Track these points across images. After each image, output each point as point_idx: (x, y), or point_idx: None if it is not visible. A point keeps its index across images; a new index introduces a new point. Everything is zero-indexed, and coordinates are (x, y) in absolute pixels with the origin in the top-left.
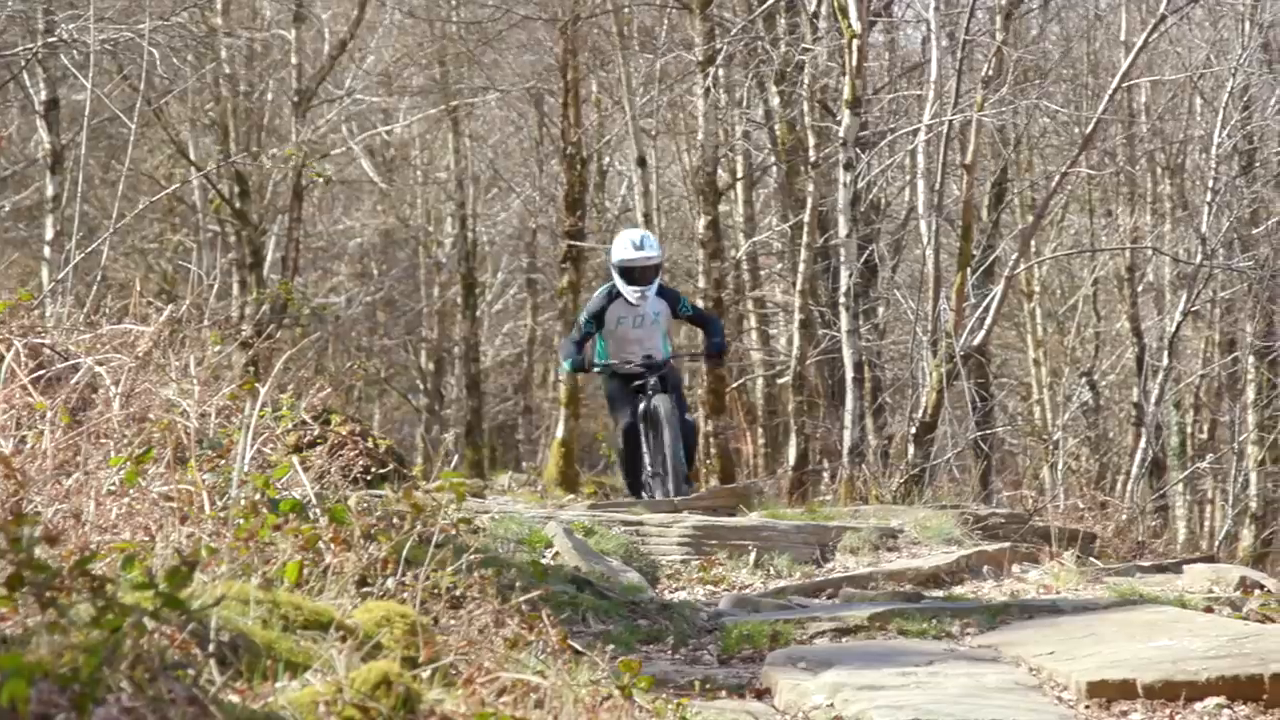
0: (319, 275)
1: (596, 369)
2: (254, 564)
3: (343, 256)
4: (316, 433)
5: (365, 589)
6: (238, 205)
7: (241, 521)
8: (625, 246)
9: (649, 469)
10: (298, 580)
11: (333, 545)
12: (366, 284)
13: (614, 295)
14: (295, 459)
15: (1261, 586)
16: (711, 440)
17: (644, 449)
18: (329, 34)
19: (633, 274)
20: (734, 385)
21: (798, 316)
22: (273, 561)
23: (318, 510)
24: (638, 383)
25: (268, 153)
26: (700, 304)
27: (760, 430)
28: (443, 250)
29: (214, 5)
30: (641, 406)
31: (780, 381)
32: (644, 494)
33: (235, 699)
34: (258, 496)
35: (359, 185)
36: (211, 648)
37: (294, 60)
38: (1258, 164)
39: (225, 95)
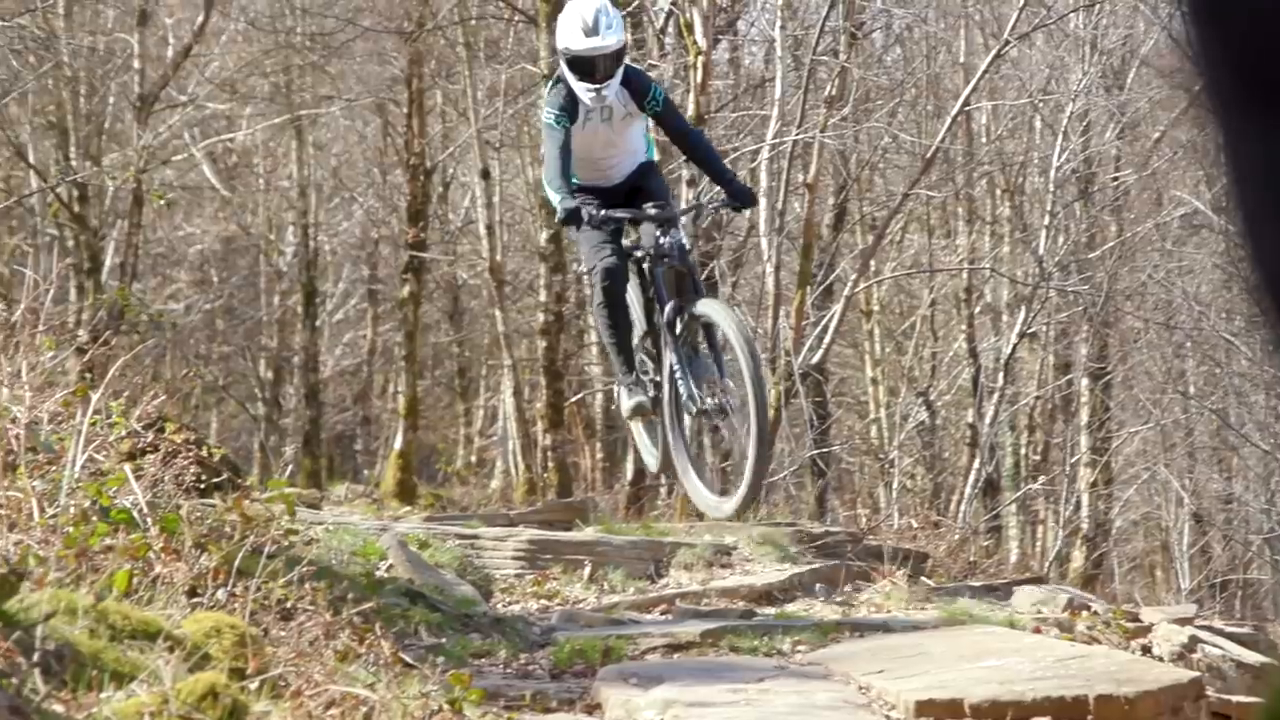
0: (158, 281)
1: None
2: (83, 573)
3: (183, 263)
4: (150, 441)
5: (195, 599)
6: (76, 210)
7: (71, 530)
8: (574, 30)
9: (677, 368)
10: (127, 590)
11: (163, 555)
12: (206, 291)
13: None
14: (128, 467)
15: (1089, 608)
16: (549, 454)
17: (642, 303)
18: (173, 39)
19: (586, 66)
20: (574, 399)
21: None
22: (102, 570)
23: (149, 519)
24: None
25: (108, 158)
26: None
27: (599, 445)
28: (284, 259)
29: (56, 9)
30: (645, 262)
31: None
32: (638, 389)
33: (59, 709)
34: (88, 504)
35: (200, 192)
36: (36, 657)
37: (136, 65)
38: (1095, 188)
39: (66, 98)
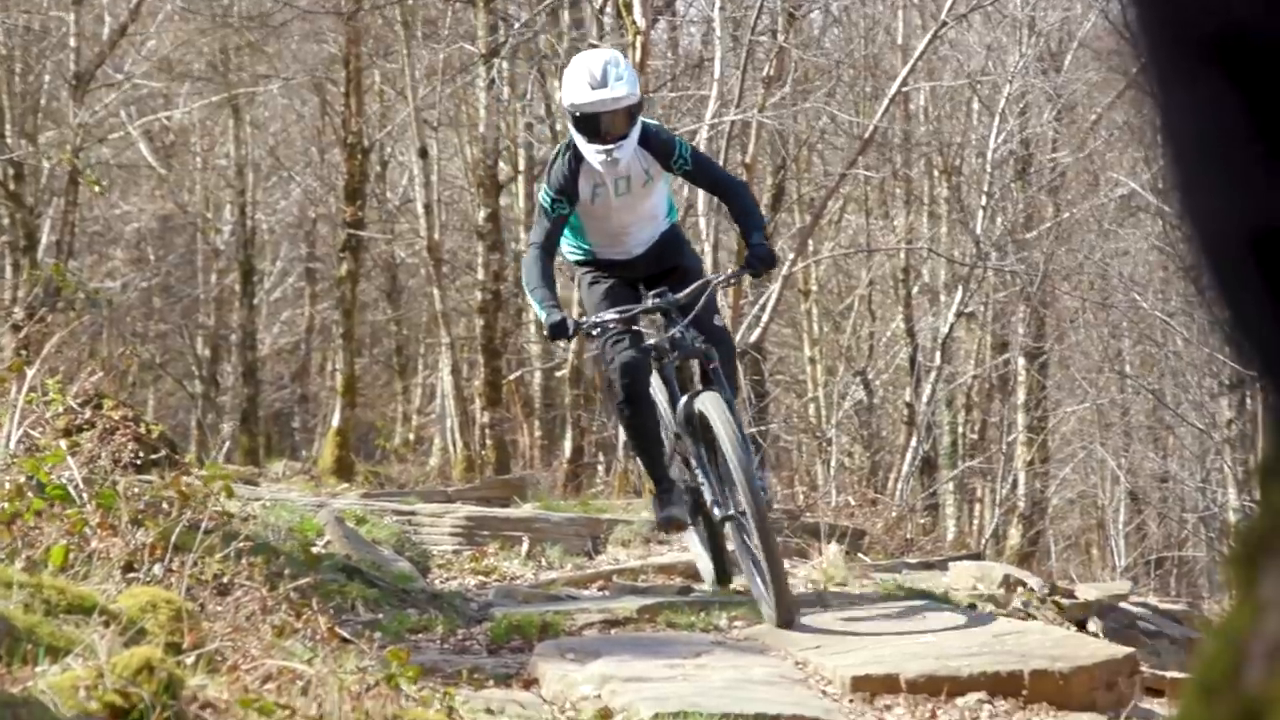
0: (95, 259)
1: (574, 263)
2: (18, 547)
3: (119, 241)
4: (87, 417)
5: (132, 574)
6: (12, 188)
7: (6, 505)
8: (579, 84)
9: (698, 470)
10: (63, 565)
11: (100, 530)
12: (143, 269)
13: (580, 155)
14: (64, 443)
15: (1025, 584)
16: (488, 432)
17: (664, 408)
18: (109, 17)
19: (594, 124)
20: (512, 377)
21: (576, 310)
22: (38, 545)
23: (85, 495)
24: (651, 303)
25: (44, 136)
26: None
27: (537, 422)
28: (221, 237)
29: None
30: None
31: (558, 374)
32: (669, 499)
33: None
34: (23, 479)
35: (137, 170)
36: None
37: (72, 43)
38: (1032, 169)
39: (0, 76)
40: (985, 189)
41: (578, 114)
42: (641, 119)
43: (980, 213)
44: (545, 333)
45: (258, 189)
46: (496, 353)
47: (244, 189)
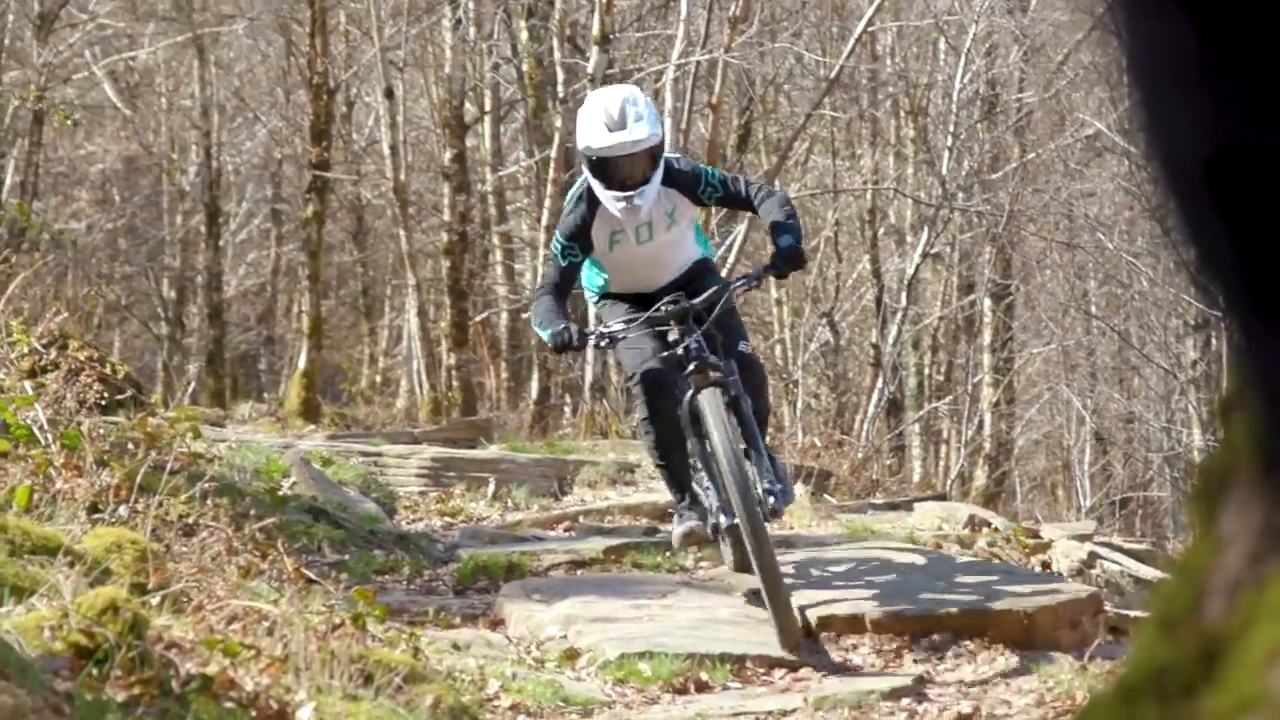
0: (59, 201)
1: (593, 301)
2: None
3: (84, 182)
4: (52, 358)
5: (97, 515)
6: None
7: None
8: (595, 125)
9: (701, 471)
10: (28, 505)
11: (64, 471)
12: (108, 211)
13: (596, 199)
14: (29, 384)
15: (989, 524)
16: (454, 373)
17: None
18: None
19: (613, 169)
20: (478, 318)
21: (542, 251)
22: (2, 486)
23: (50, 436)
24: (663, 324)
25: (8, 76)
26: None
27: (503, 364)
28: (186, 178)
29: None
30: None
31: (524, 316)
32: (690, 514)
33: None
34: None
35: (101, 110)
36: None
37: None
38: (998, 110)
39: None
40: (951, 130)
41: (594, 158)
42: (666, 156)
43: (946, 153)
44: (549, 347)
45: (223, 130)
46: (463, 294)
47: (209, 130)
